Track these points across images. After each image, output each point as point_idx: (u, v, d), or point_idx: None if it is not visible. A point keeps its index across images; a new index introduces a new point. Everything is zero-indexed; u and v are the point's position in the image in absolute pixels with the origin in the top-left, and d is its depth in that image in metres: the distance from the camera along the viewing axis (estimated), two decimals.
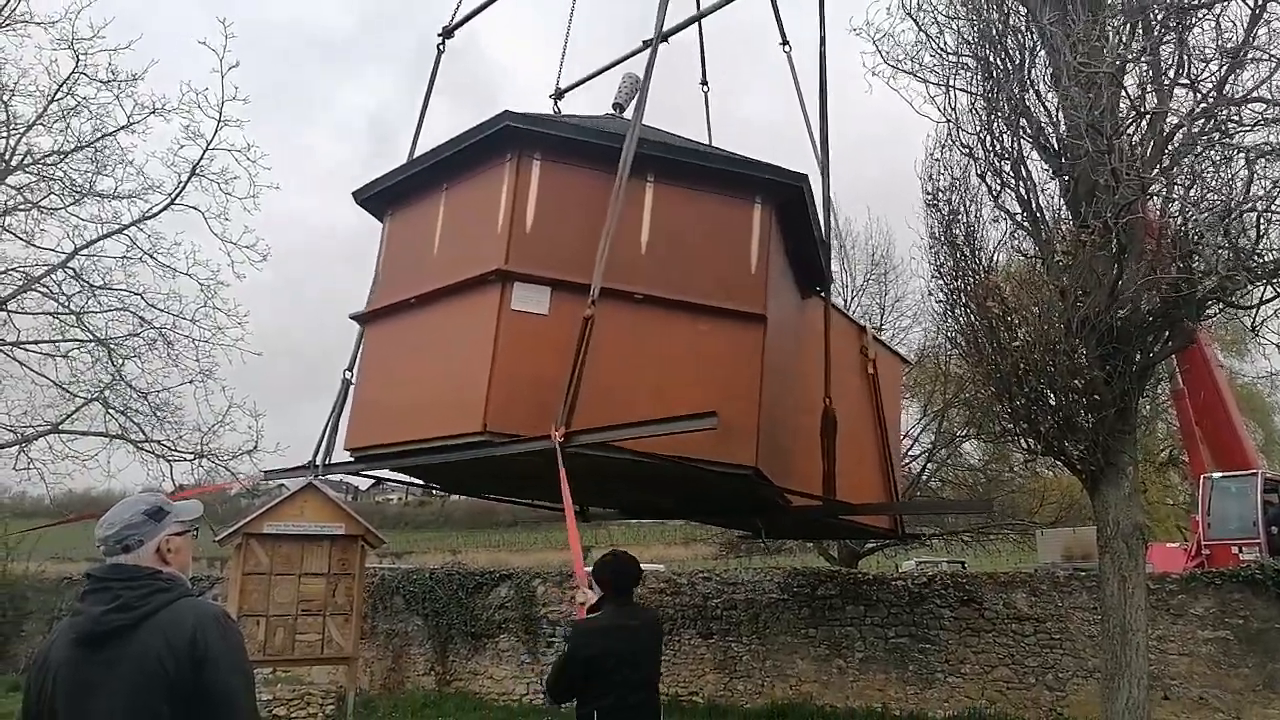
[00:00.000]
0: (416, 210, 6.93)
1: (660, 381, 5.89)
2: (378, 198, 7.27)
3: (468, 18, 8.23)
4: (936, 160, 7.81)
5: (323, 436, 7.48)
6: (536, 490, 8.72)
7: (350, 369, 7.39)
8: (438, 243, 6.57)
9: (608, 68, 9.25)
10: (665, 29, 6.71)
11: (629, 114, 7.04)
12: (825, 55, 8.00)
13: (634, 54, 8.62)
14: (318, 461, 7.43)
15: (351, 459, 7.13)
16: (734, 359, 6.16)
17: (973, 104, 7.51)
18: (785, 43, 9.05)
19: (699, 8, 8.27)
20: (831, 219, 8.03)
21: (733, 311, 6.19)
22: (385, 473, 8.06)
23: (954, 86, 7.60)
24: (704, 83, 10.22)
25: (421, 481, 9.03)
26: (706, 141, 8.66)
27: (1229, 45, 6.10)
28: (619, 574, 4.47)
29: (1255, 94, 5.94)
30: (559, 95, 9.60)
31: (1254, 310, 6.53)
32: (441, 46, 8.16)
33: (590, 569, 4.61)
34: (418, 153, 7.39)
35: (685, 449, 5.69)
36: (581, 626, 4.43)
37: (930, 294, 8.32)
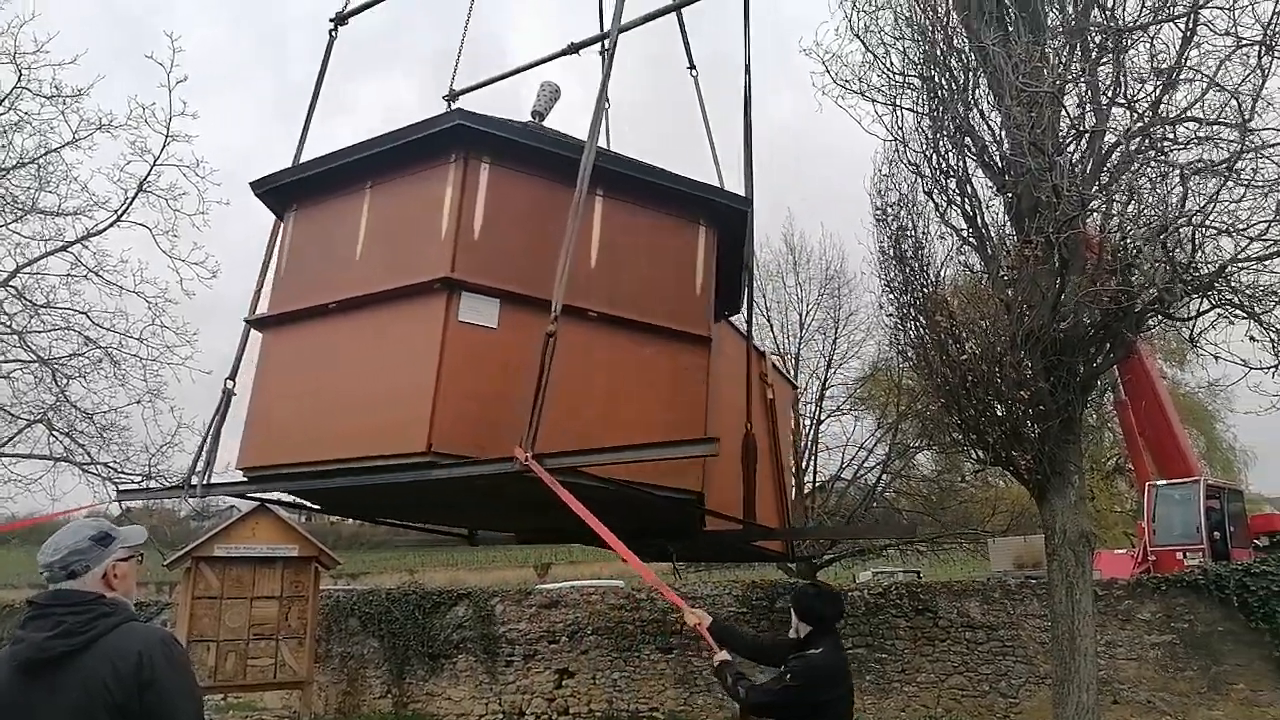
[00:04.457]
0: (331, 207, 6.35)
1: (611, 402, 5.67)
2: (281, 191, 6.65)
3: (363, 7, 7.79)
4: (885, 177, 7.97)
5: (199, 454, 6.64)
6: (457, 515, 8.28)
7: (232, 378, 6.63)
8: (361, 244, 6.05)
9: (512, 73, 9.08)
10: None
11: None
12: (749, 85, 7.87)
13: (547, 58, 8.60)
14: (194, 481, 6.58)
15: (245, 479, 6.43)
16: (681, 381, 5.99)
17: (919, 123, 7.67)
18: (692, 67, 9.07)
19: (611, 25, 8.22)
20: (753, 245, 7.85)
21: (680, 333, 6.04)
22: (271, 495, 7.32)
23: (900, 105, 7.77)
24: (604, 97, 10.05)
25: (314, 505, 8.24)
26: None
27: (1163, 66, 6.32)
28: (833, 607, 4.34)
29: (1188, 113, 6.15)
30: (453, 97, 9.15)
31: (1191, 321, 6.72)
32: (334, 33, 7.62)
33: (791, 601, 4.46)
34: (308, 143, 6.87)
35: (638, 474, 5.48)
36: (818, 666, 4.12)
37: (881, 308, 8.43)
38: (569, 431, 5.21)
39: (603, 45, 9.27)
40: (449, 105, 9.05)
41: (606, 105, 9.88)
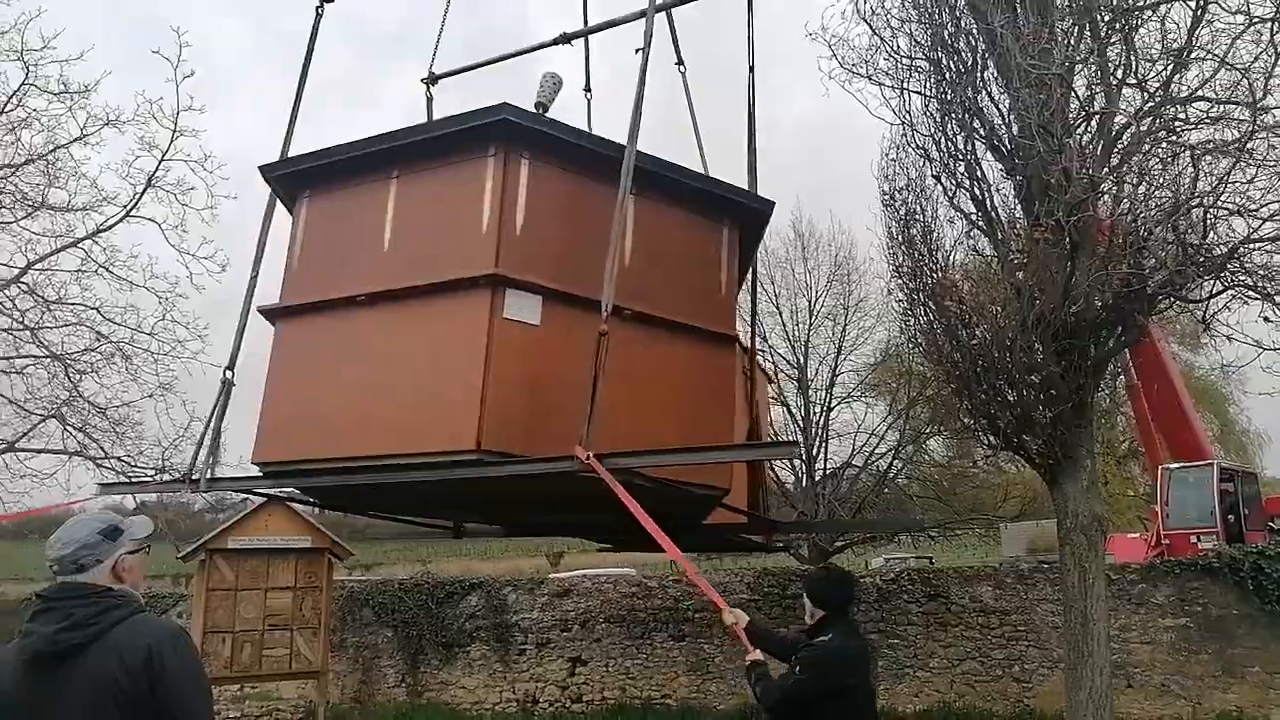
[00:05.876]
0: (351, 197, 6.21)
1: (644, 399, 5.62)
2: (295, 176, 6.48)
3: None
4: (892, 161, 7.91)
5: (199, 446, 6.44)
6: (464, 510, 8.25)
7: (230, 368, 6.41)
8: (389, 236, 5.94)
9: (493, 60, 9.00)
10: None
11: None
12: (753, 84, 7.81)
13: (535, 47, 8.56)
14: (196, 475, 6.39)
15: (260, 474, 6.24)
16: (710, 379, 6.03)
17: (926, 106, 7.60)
18: (680, 63, 9.05)
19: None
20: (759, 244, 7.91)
21: (710, 332, 6.06)
22: (272, 490, 7.17)
23: (908, 89, 7.70)
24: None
25: (311, 500, 8.18)
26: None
27: (1174, 46, 6.25)
28: (842, 590, 4.27)
29: (1199, 93, 6.09)
30: (433, 80, 8.99)
31: (1204, 303, 6.67)
32: (320, 10, 7.40)
33: (804, 587, 4.41)
34: (296, 127, 6.83)
35: (677, 473, 5.52)
36: (831, 652, 4.03)
37: (890, 293, 8.38)
38: (605, 429, 5.10)
39: (586, 41, 9.29)
40: (428, 88, 8.95)
41: (589, 96, 9.99)
